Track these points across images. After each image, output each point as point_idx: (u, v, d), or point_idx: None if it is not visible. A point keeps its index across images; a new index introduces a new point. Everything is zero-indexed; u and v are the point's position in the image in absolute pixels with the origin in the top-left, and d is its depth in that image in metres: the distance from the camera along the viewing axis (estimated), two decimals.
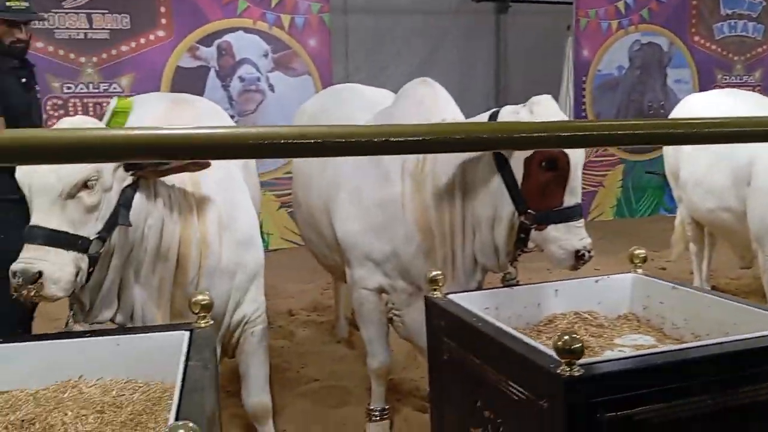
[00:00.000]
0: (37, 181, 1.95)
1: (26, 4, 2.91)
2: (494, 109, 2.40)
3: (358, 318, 2.76)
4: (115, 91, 6.12)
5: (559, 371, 1.52)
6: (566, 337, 1.51)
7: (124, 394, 1.81)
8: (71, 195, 1.95)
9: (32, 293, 1.86)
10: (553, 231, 2.21)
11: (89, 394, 1.80)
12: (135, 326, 2.17)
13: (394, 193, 2.52)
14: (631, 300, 2.35)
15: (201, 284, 2.31)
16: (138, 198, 2.11)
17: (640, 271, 2.37)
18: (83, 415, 1.70)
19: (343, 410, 3.05)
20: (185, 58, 6.33)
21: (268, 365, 2.57)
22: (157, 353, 1.87)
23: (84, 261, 1.96)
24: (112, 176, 2.05)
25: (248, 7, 6.44)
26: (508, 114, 2.30)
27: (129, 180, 2.10)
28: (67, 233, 1.93)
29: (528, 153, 2.22)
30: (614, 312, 2.34)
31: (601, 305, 2.32)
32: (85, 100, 6.05)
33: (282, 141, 0.97)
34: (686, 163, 3.87)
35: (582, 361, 1.55)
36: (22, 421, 1.67)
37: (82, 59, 6.05)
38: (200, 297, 1.93)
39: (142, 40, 6.17)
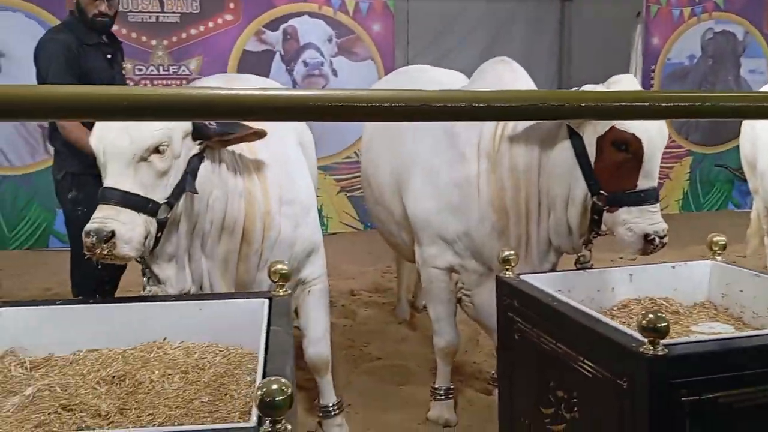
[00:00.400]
0: (111, 145, 2.03)
1: None
2: (574, 88, 2.37)
3: (426, 296, 2.78)
4: (183, 73, 6.29)
5: (642, 350, 1.50)
6: (651, 316, 1.49)
7: (206, 357, 1.87)
8: (144, 158, 2.03)
9: (105, 252, 1.93)
10: (624, 213, 2.17)
11: (173, 355, 1.87)
12: (216, 293, 2.25)
13: (470, 172, 2.52)
14: (709, 288, 2.30)
15: (264, 256, 2.38)
16: (204, 168, 2.19)
17: (719, 258, 2.31)
18: (169, 374, 1.77)
19: (406, 389, 3.08)
20: (251, 42, 6.44)
21: (328, 320, 2.67)
22: (237, 319, 1.93)
23: (153, 225, 2.04)
24: (181, 144, 2.12)
25: None
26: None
27: (196, 149, 2.17)
28: (138, 195, 2.01)
29: (601, 132, 2.19)
30: (691, 299, 2.28)
31: (677, 292, 2.27)
32: (156, 82, 6.23)
33: (385, 104, 0.98)
34: (765, 153, 3.73)
35: (664, 341, 1.53)
36: (113, 377, 1.75)
37: (153, 42, 6.23)
38: (279, 266, 1.97)
39: (211, 24, 6.30)
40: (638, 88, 2.28)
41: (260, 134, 2.25)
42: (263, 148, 2.43)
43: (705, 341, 1.62)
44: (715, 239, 2.32)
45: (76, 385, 1.72)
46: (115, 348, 1.89)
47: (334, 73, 6.70)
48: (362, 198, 6.67)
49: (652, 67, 7.17)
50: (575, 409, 1.81)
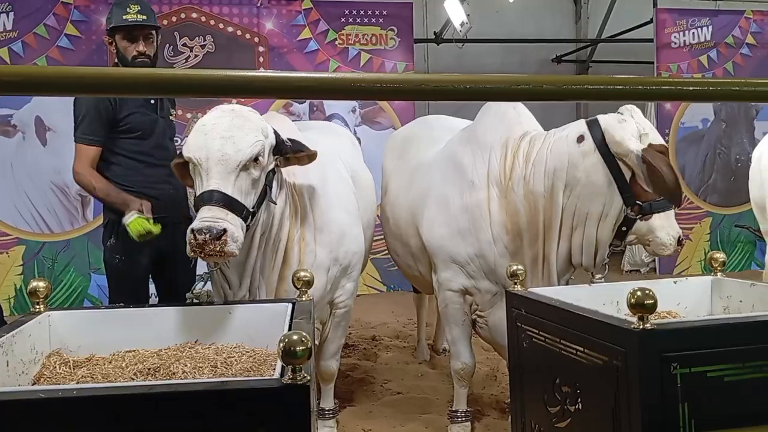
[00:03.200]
0: (217, 152, 2.19)
1: (144, 17, 2.84)
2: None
3: (443, 320, 2.91)
4: None
5: (632, 327, 1.62)
6: (639, 293, 1.61)
7: (233, 356, 2.01)
8: (246, 167, 2.21)
9: (216, 249, 2.06)
10: (658, 219, 2.45)
11: (204, 353, 2.02)
12: (245, 299, 2.41)
13: (479, 198, 2.70)
14: (711, 301, 2.40)
15: None
16: (274, 184, 2.38)
17: (719, 274, 2.42)
18: (200, 367, 1.92)
19: (426, 417, 3.15)
20: (280, 114, 6.83)
21: (343, 340, 2.93)
22: (263, 322, 2.08)
23: (244, 228, 2.19)
24: (268, 156, 2.31)
25: (339, 66, 6.93)
26: (612, 119, 2.56)
27: (273, 164, 2.36)
28: (237, 200, 2.17)
29: (640, 148, 2.41)
30: (693, 313, 2.38)
31: (679, 306, 2.38)
32: None
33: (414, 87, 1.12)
34: None
35: (657, 321, 1.65)
36: (149, 369, 1.91)
37: (188, 115, 6.63)
38: (302, 273, 2.14)
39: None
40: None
41: (313, 157, 2.43)
42: (301, 173, 2.61)
43: (695, 320, 1.73)
44: (715, 256, 2.44)
45: (115, 374, 1.87)
46: (151, 348, 2.06)
47: (358, 141, 7.03)
48: (385, 261, 6.87)
49: (666, 131, 7.38)
50: (578, 400, 1.90)
